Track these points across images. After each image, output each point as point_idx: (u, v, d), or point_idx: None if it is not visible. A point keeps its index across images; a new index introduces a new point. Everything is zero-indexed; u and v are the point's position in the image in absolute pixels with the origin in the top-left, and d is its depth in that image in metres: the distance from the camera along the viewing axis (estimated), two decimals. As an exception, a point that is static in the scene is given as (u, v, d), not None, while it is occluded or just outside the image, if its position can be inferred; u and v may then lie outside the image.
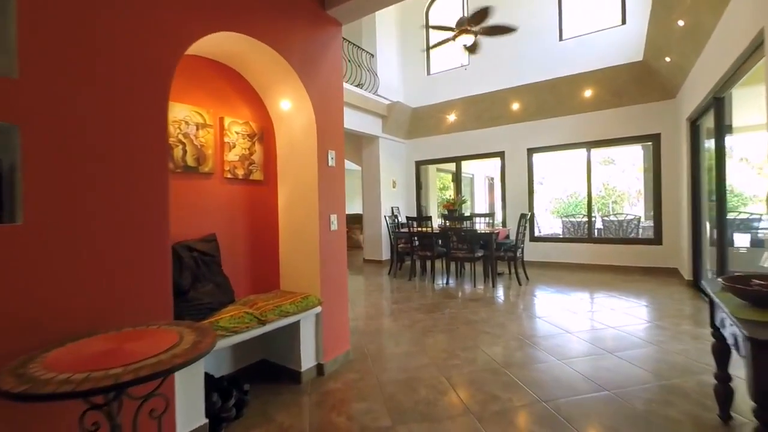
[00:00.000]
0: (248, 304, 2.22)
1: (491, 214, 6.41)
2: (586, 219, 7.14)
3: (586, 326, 3.42)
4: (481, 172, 13.00)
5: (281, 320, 2.22)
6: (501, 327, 3.44)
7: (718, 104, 3.38)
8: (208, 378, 2.11)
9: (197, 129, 2.27)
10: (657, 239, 5.79)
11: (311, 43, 2.56)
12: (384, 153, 7.58)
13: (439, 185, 11.09)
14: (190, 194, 2.25)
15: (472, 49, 5.60)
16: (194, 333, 1.37)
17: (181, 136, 2.18)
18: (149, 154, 1.62)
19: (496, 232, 5.21)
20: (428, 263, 6.13)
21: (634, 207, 13.60)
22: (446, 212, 5.90)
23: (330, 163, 2.64)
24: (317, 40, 2.61)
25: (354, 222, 10.53)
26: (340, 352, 2.69)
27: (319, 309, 2.52)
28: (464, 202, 5.86)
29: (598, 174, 14.48)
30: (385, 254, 7.49)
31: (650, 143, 5.89)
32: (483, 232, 5.28)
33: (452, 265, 5.99)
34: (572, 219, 7.66)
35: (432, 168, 9.30)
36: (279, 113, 2.72)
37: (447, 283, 5.43)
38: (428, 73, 7.85)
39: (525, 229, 5.41)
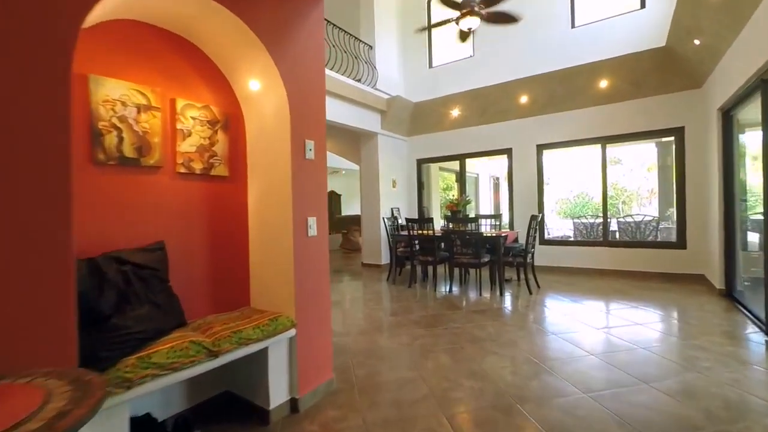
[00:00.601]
0: (201, 329, 1.79)
1: (498, 216, 5.94)
2: (600, 220, 6.66)
3: (611, 345, 2.95)
4: (486, 172, 12.52)
5: (240, 349, 1.78)
6: (512, 346, 2.98)
7: (767, 87, 2.89)
8: (146, 422, 1.67)
9: (138, 112, 1.84)
10: (680, 242, 5.29)
11: (284, 10, 2.13)
12: (383, 150, 7.14)
13: (443, 185, 10.63)
14: (128, 192, 1.82)
15: (464, 37, 5.14)
16: (70, 392, 0.93)
17: (115, 120, 1.75)
18: (40, 141, 1.19)
19: (503, 235, 4.75)
20: (430, 269, 5.68)
21: (644, 208, 13.07)
22: (449, 214, 5.45)
23: (308, 155, 2.21)
24: (292, 7, 2.18)
25: (354, 223, 10.08)
26: (321, 381, 2.25)
27: (292, 332, 2.08)
28: (468, 202, 5.42)
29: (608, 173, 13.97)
30: (385, 258, 7.04)
31: (672, 138, 5.40)
32: (489, 235, 4.82)
33: (456, 271, 5.54)
34: (584, 220, 7.17)
35: (434, 167, 8.86)
36: (248, 96, 2.29)
37: (450, 290, 4.97)
38: (430, 66, 7.40)
39: (535, 232, 4.94)
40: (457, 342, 3.10)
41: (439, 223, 7.68)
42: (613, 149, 8.87)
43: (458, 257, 4.89)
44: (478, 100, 6.63)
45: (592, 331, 3.27)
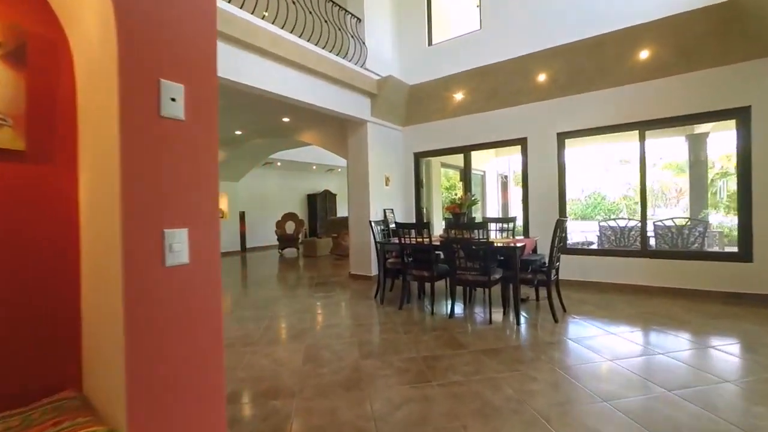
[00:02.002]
0: None
1: (511, 220, 4.85)
2: (633, 224, 5.59)
3: (697, 421, 1.85)
4: (492, 169, 11.41)
5: None
6: (543, 429, 1.90)
7: None
8: None
9: None
10: (744, 254, 4.17)
11: None
12: (374, 141, 6.08)
13: (445, 184, 9.55)
14: None
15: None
16: None
17: None
18: None
19: (519, 244, 3.67)
20: (427, 285, 4.61)
21: (670, 209, 11.89)
22: (451, 216, 4.38)
23: (166, 111, 1.14)
24: None
25: (346, 226, 9.03)
26: None
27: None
28: (475, 202, 4.35)
29: (619, 173, 12.80)
30: (375, 269, 5.97)
31: (734, 119, 4.27)
32: (502, 244, 3.74)
33: (459, 288, 4.45)
34: (611, 223, 6.05)
35: (435, 162, 7.78)
36: (75, 15, 1.24)
37: (451, 314, 3.89)
38: (429, 43, 6.33)
39: (561, 242, 3.85)
40: (459, 415, 2.02)
41: (438, 229, 6.62)
42: (628, 145, 7.79)
43: (462, 273, 3.81)
44: (486, 80, 5.54)
45: (661, 395, 2.18)
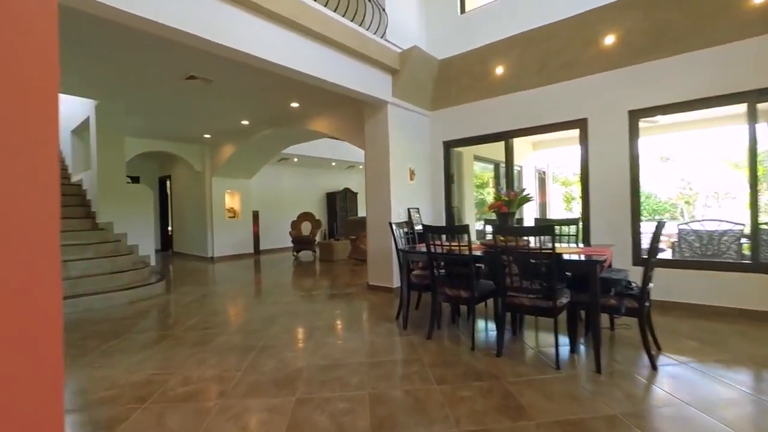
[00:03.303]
0: None
1: (573, 222, 3.75)
2: (728, 227, 4.38)
3: None
4: (530, 165, 10.19)
5: None
6: None
7: None
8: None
9: None
10: None
11: None
12: (396, 127, 5.11)
13: (475, 181, 8.45)
14: None
15: None
16: None
17: None
18: None
19: (599, 256, 2.61)
20: (462, 308, 3.60)
21: (708, 209, 10.31)
22: (495, 217, 3.36)
23: None
24: None
25: (365, 228, 8.12)
26: None
27: None
28: (527, 199, 3.30)
29: (655, 172, 11.23)
30: (398, 280, 5.01)
31: None
32: (577, 257, 2.69)
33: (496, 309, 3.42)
34: (695, 226, 4.83)
35: (468, 153, 6.73)
36: None
37: (499, 352, 2.86)
38: (462, 10, 5.30)
39: (655, 253, 2.74)
40: None
41: (476, 234, 5.59)
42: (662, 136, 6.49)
43: (515, 295, 2.78)
44: (533, 48, 4.46)
45: None
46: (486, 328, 3.51)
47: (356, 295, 5.03)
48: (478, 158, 7.14)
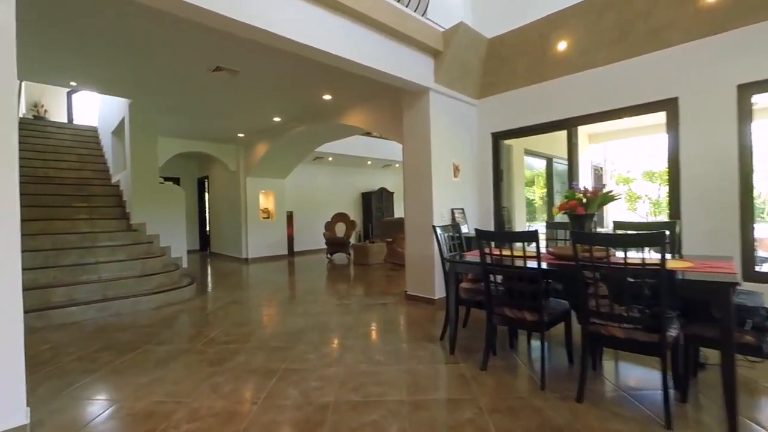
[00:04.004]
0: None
1: (669, 226, 2.97)
2: None
3: None
4: (586, 160, 9.17)
5: None
6: None
7: None
8: None
9: None
10: None
11: None
12: (439, 118, 4.53)
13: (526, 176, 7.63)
14: None
15: None
16: None
17: None
18: None
19: (729, 275, 1.90)
20: (521, 332, 2.96)
21: None
22: (567, 219, 2.70)
23: None
24: None
25: (403, 229, 7.57)
26: None
27: None
28: (612, 198, 2.59)
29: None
30: (441, 290, 4.43)
31: None
32: (695, 275, 1.99)
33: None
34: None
35: (517, 148, 6.01)
36: None
37: (580, 397, 2.20)
38: (516, -19, 4.62)
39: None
40: None
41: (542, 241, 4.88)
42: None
43: (604, 324, 2.11)
44: (612, 12, 3.71)
45: None
46: (553, 357, 2.85)
47: (393, 306, 4.50)
48: (528, 153, 6.38)
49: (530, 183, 7.49)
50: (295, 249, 10.10)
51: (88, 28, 3.40)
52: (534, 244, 2.30)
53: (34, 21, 3.26)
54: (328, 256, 9.04)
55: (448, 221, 4.57)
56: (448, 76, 4.49)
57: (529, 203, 7.63)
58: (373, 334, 3.48)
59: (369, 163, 11.53)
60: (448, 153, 4.65)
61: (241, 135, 7.95)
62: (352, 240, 9.45)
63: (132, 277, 4.86)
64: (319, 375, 2.61)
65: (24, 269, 4.86)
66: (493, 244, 2.62)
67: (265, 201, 9.46)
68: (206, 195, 10.99)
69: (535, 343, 3.12)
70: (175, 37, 3.59)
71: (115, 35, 3.53)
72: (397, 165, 12.13)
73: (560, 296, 2.87)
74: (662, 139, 3.71)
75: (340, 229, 9.33)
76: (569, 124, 4.36)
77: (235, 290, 5.66)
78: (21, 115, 8.58)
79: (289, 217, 9.85)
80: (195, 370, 2.73)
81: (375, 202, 12.32)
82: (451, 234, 3.45)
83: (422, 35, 4.02)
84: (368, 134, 10.20)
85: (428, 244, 4.41)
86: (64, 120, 10.08)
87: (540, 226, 7.74)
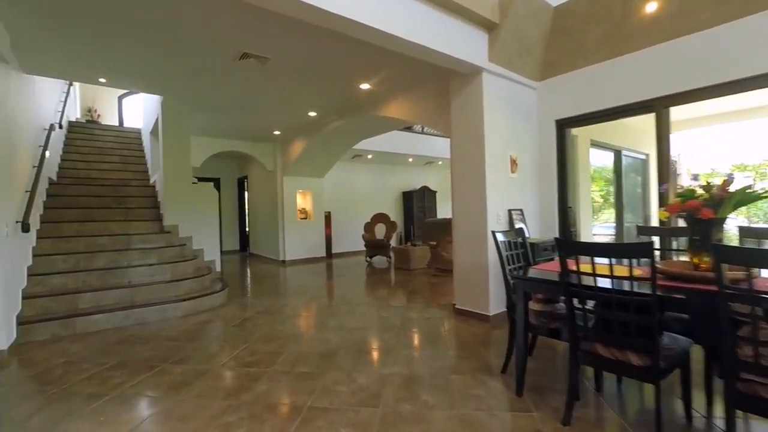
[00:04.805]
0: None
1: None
2: None
3: None
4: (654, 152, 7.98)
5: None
6: None
7: None
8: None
9: None
10: None
11: None
12: (494, 103, 3.86)
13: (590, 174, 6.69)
14: None
15: None
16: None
17: None
18: None
19: None
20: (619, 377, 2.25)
21: None
22: (696, 224, 1.97)
23: None
24: None
25: (449, 231, 6.93)
26: None
27: None
28: (759, 197, 1.86)
29: None
30: (497, 304, 3.77)
31: None
32: None
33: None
34: None
35: (583, 138, 5.17)
36: None
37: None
38: (587, -64, 3.83)
39: None
40: None
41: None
42: None
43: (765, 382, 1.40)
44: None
45: None
46: (659, 410, 2.12)
47: (439, 321, 3.90)
48: (596, 144, 5.50)
49: (597, 180, 6.56)
50: (333, 251, 9.74)
51: (108, 13, 3.12)
52: (648, 256, 1.62)
53: (58, 12, 3.03)
54: (367, 259, 8.58)
55: (504, 225, 3.89)
56: (505, 53, 3.81)
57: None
58: (418, 361, 2.90)
59: (410, 160, 10.95)
60: (504, 144, 3.97)
61: (277, 132, 7.69)
62: (393, 242, 8.92)
63: (161, 282, 4.64)
64: (351, 419, 2.08)
65: (55, 273, 4.82)
66: (591, 257, 1.96)
67: (303, 201, 9.18)
68: (245, 195, 10.95)
69: (630, 385, 2.40)
70: (200, 20, 3.23)
71: (136, 20, 3.23)
72: (440, 162, 11.45)
73: (670, 327, 2.14)
74: (757, 126, 2.81)
75: (380, 231, 8.83)
76: (660, 105, 3.52)
77: (267, 297, 5.32)
78: (75, 119, 8.92)
79: (327, 217, 9.51)
80: (207, 403, 2.31)
81: (417, 201, 11.72)
82: (512, 240, 2.79)
83: (475, 4, 3.38)
84: (408, 129, 9.63)
85: (481, 251, 3.76)
86: (116, 123, 10.45)
87: (602, 228, 6.79)
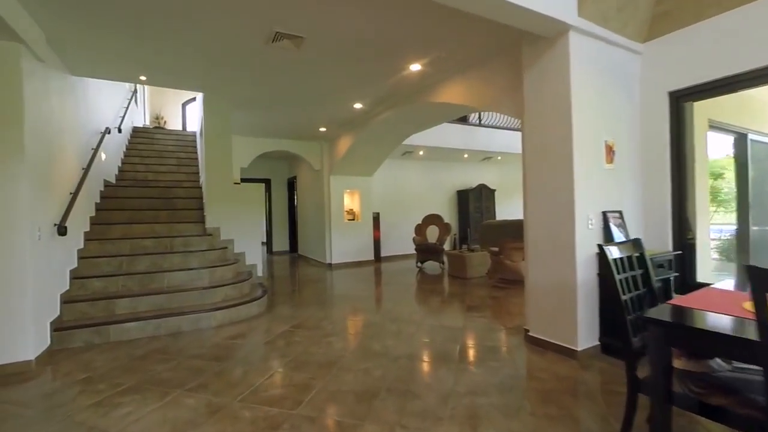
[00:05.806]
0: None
1: None
2: None
3: None
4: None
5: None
6: None
7: None
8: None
9: None
10: None
11: None
12: (584, 73, 2.96)
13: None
14: None
15: None
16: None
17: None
18: None
19: None
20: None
21: None
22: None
23: None
24: None
25: (513, 235, 5.98)
26: None
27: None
28: None
29: None
30: (587, 335, 2.88)
31: None
32: None
33: None
34: None
35: (700, 116, 3.99)
36: None
37: None
38: None
39: None
40: None
41: (707, 260, 3.12)
42: None
43: None
44: None
45: None
46: None
47: (509, 354, 3.09)
48: (715, 124, 4.27)
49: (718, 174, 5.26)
50: (382, 254, 9.16)
51: (132, 2, 2.77)
52: None
53: (86, 7, 2.74)
54: (419, 264, 7.86)
55: (597, 232, 2.98)
56: (600, 6, 2.90)
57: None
58: (484, 418, 2.15)
59: (465, 156, 10.03)
60: (597, 127, 3.05)
61: (322, 129, 7.26)
62: (446, 246, 8.11)
63: (198, 288, 4.33)
64: None
65: (97, 276, 4.73)
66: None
67: (350, 201, 8.71)
68: (295, 196, 10.77)
69: None
70: (222, 7, 2.77)
71: (161, 7, 2.85)
72: (499, 157, 10.39)
73: None
74: None
75: (432, 233, 8.07)
76: None
77: (307, 307, 4.83)
78: (143, 125, 9.31)
79: (376, 218, 8.94)
80: (207, 463, 1.78)
81: (473, 201, 10.74)
82: (627, 254, 1.93)
83: (562, -63, 2.54)
84: (464, 121, 8.76)
85: (566, 265, 2.90)
86: (179, 129, 10.84)
87: (715, 233, 5.41)
